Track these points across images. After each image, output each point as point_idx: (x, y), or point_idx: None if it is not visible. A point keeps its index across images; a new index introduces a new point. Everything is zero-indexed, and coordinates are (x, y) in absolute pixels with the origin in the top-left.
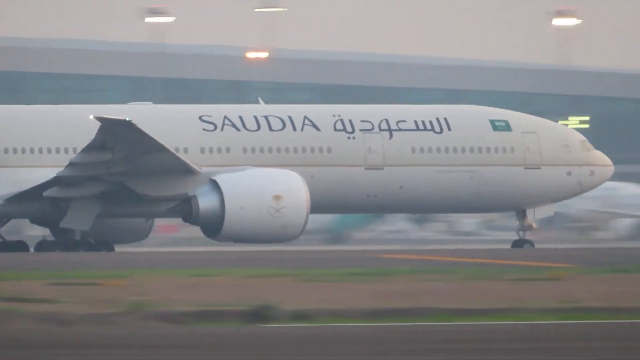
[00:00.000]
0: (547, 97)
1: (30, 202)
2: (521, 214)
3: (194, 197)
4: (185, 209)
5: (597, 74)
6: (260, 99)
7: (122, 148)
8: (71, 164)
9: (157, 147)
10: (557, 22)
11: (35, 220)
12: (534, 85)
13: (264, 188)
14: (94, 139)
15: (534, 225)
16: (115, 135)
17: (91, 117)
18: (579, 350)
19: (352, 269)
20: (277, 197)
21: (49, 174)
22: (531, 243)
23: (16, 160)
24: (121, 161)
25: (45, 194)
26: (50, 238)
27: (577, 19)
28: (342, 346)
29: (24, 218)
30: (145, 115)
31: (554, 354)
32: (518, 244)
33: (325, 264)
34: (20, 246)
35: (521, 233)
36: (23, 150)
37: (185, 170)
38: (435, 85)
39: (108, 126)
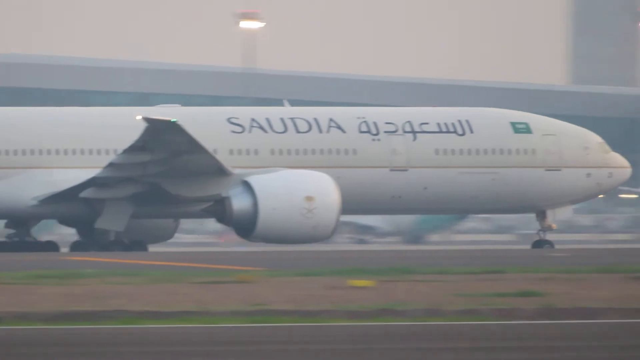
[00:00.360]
0: (234, 100)
1: (64, 202)
2: (541, 215)
3: (228, 198)
4: (219, 210)
5: (284, 77)
6: (285, 101)
7: (164, 149)
8: (111, 165)
9: (198, 149)
10: (243, 24)
11: (66, 221)
12: (221, 88)
13: (296, 189)
14: (138, 140)
15: (554, 226)
16: (159, 136)
17: (138, 117)
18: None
19: (37, 271)
20: (309, 199)
21: (82, 175)
22: (551, 244)
23: (49, 161)
24: (160, 162)
25: (82, 195)
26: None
27: (261, 21)
28: (24, 349)
29: (57, 218)
30: (175, 117)
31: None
32: (538, 244)
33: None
34: (50, 246)
35: (541, 234)
36: (57, 152)
37: (219, 172)
38: (120, 88)
39: (154, 126)
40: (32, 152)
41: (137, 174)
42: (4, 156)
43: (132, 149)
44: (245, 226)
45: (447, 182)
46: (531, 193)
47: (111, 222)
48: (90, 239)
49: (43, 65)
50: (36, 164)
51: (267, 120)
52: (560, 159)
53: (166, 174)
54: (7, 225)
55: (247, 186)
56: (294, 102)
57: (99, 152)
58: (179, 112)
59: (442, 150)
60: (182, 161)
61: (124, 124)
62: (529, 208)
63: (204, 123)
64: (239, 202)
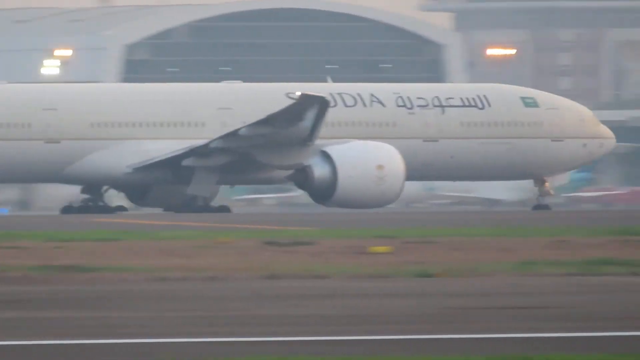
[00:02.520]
0: None
1: (155, 170)
2: (540, 181)
3: (309, 166)
4: (301, 177)
5: None
6: (329, 77)
7: (294, 122)
8: (233, 135)
9: (320, 124)
10: None
11: (152, 187)
12: None
13: (369, 159)
14: (282, 111)
15: (552, 192)
16: (306, 111)
17: (297, 93)
18: None
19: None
20: (380, 167)
21: (169, 145)
22: (549, 207)
23: (141, 133)
24: (273, 134)
25: (183, 163)
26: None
27: None
28: None
29: (148, 185)
30: (239, 92)
31: None
32: (538, 208)
33: None
34: (120, 209)
35: (540, 199)
36: (147, 124)
37: (302, 142)
38: None
39: (307, 102)
40: (127, 124)
41: (248, 145)
42: (101, 128)
43: (264, 121)
44: (324, 192)
45: (471, 152)
46: (538, 161)
47: (200, 188)
48: (141, 204)
49: None
50: (129, 136)
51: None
52: (562, 130)
53: (263, 145)
54: (82, 191)
55: (326, 156)
56: None
57: (182, 124)
58: (240, 87)
59: (466, 123)
60: (288, 133)
61: (202, 99)
62: (535, 174)
63: (264, 98)
64: (320, 170)
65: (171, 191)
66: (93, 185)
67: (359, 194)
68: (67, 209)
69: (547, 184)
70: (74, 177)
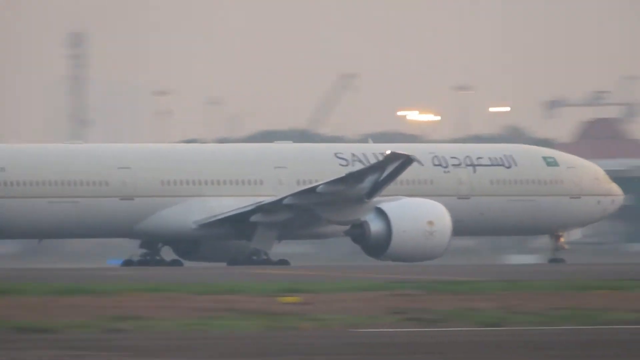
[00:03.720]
0: None
1: (219, 226)
2: (555, 236)
3: (366, 222)
4: (358, 233)
5: None
6: (370, 139)
7: (372, 179)
8: (306, 192)
9: (391, 181)
10: None
11: (215, 241)
12: None
13: (420, 215)
14: (367, 169)
15: (566, 246)
16: (389, 167)
17: (388, 151)
18: None
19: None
20: (430, 223)
21: (231, 202)
22: (564, 261)
23: (207, 190)
24: (346, 191)
25: (252, 219)
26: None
27: None
28: None
29: (211, 240)
30: (290, 152)
31: None
32: (554, 261)
33: None
34: (176, 263)
35: (556, 252)
36: (212, 182)
37: (361, 199)
38: None
39: (393, 159)
40: (193, 182)
41: (317, 201)
42: (175, 186)
43: (343, 179)
44: (378, 247)
45: (498, 208)
46: (558, 217)
47: (263, 243)
48: (190, 258)
49: None
50: (195, 193)
51: (364, 155)
52: (580, 188)
53: (328, 201)
54: (141, 246)
55: (380, 212)
56: None
57: (243, 182)
58: (293, 147)
59: (495, 181)
60: (357, 190)
61: (260, 159)
62: (553, 230)
63: (315, 157)
64: (375, 226)
65: (222, 246)
66: (160, 241)
67: (410, 248)
68: (128, 262)
69: (562, 239)
70: (144, 233)
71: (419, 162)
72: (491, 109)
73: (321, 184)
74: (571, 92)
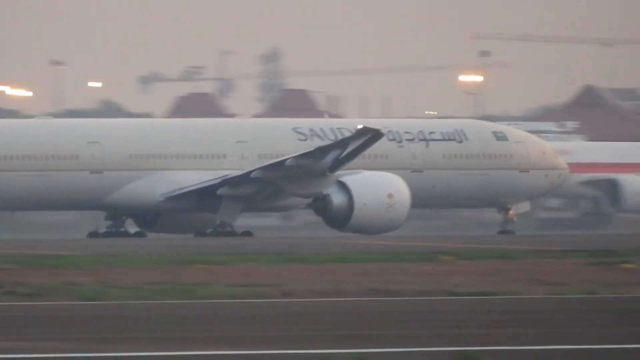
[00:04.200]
0: None
1: (185, 199)
2: (505, 209)
3: (328, 195)
4: (320, 205)
5: None
6: (325, 114)
7: (337, 154)
8: (273, 166)
9: (357, 155)
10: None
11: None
12: None
13: (381, 188)
14: (337, 143)
15: (515, 218)
16: (359, 142)
17: (360, 126)
18: None
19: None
20: (390, 196)
21: (196, 175)
22: (513, 232)
23: (172, 164)
24: (314, 165)
25: (218, 192)
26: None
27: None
28: None
29: (177, 212)
30: (250, 127)
31: None
32: (504, 232)
33: None
34: (140, 235)
35: (505, 225)
36: (177, 157)
37: (323, 172)
38: None
39: (364, 134)
40: (160, 156)
41: (283, 175)
42: (139, 160)
43: (312, 153)
44: (340, 219)
45: (450, 182)
46: (508, 190)
47: (228, 215)
48: (150, 229)
49: None
50: (162, 167)
51: (322, 129)
52: (529, 162)
53: (293, 175)
54: (106, 218)
55: (342, 185)
56: None
57: (207, 156)
58: (254, 122)
59: (447, 155)
60: (322, 164)
61: (223, 134)
62: (502, 203)
63: (275, 133)
64: (338, 199)
65: (181, 218)
66: (129, 213)
67: (371, 221)
68: (93, 234)
69: (511, 211)
70: (113, 205)
71: (382, 136)
72: (89, 84)
73: (289, 158)
74: (168, 67)
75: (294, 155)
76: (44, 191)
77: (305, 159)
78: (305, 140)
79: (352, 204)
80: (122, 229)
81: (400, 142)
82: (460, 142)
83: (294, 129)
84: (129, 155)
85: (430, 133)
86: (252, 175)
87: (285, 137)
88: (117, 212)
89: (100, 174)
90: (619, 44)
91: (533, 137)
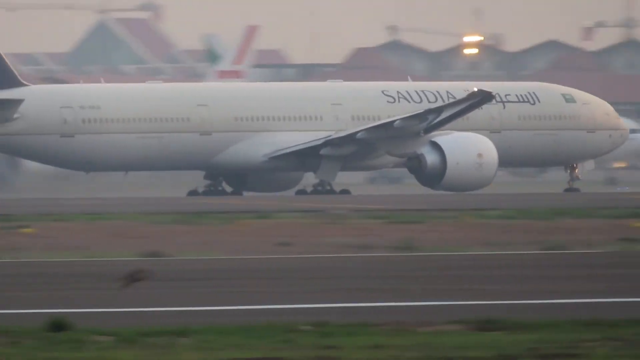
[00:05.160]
0: None
1: (286, 159)
2: (571, 167)
3: (422, 154)
4: (414, 164)
5: None
6: (409, 77)
7: (445, 116)
8: (381, 127)
9: (461, 116)
10: None
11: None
12: None
13: (471, 148)
14: (450, 105)
15: (580, 176)
16: (472, 105)
17: (475, 89)
18: None
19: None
20: (480, 155)
21: (296, 137)
22: (579, 190)
23: (274, 126)
24: (416, 126)
25: (322, 152)
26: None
27: None
28: None
29: (280, 171)
30: (344, 90)
31: None
32: (570, 190)
33: None
34: (237, 193)
35: (571, 182)
36: (278, 119)
37: (417, 133)
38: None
39: (477, 96)
40: (262, 118)
41: (386, 136)
42: (243, 122)
43: (425, 113)
44: (433, 178)
45: (525, 142)
46: (576, 150)
47: (327, 174)
48: (241, 189)
49: None
50: (264, 128)
51: (407, 92)
52: (595, 123)
53: (390, 136)
54: (205, 177)
55: (435, 145)
56: None
57: (305, 118)
58: (347, 85)
59: (522, 117)
60: (422, 125)
61: (319, 97)
62: (572, 161)
63: (366, 95)
64: (431, 158)
65: (269, 177)
66: (233, 173)
67: (463, 179)
68: (193, 193)
69: (577, 170)
70: (220, 165)
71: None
72: None
73: (398, 119)
74: None
75: (402, 116)
76: (157, 152)
77: (413, 120)
78: (393, 102)
79: (444, 163)
80: (220, 188)
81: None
82: (534, 104)
83: (383, 92)
84: (234, 117)
85: (506, 95)
86: (358, 136)
87: (376, 100)
88: (221, 172)
89: (209, 135)
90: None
91: (597, 99)
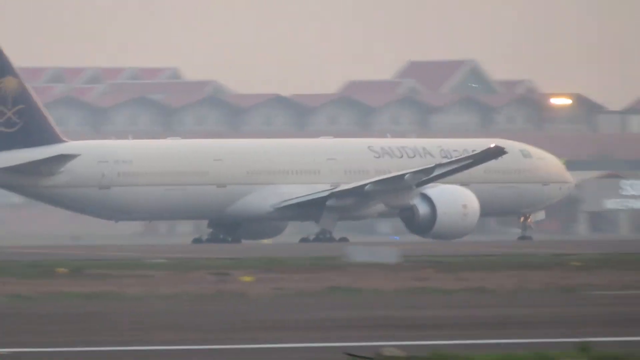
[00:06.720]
0: None
1: (290, 209)
2: (524, 217)
3: (415, 205)
4: (408, 215)
5: None
6: (388, 134)
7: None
8: (391, 179)
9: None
10: None
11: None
12: None
13: (457, 199)
14: (457, 161)
15: (532, 225)
16: (483, 160)
17: (492, 145)
18: None
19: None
20: (464, 206)
21: (298, 189)
22: (531, 238)
23: (279, 179)
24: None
25: (328, 203)
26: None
27: None
28: None
29: (284, 220)
30: (335, 146)
31: None
32: (523, 238)
33: None
34: (235, 241)
35: (525, 231)
36: (282, 172)
37: (411, 186)
38: None
39: (493, 152)
40: (269, 172)
41: (391, 188)
42: (254, 175)
43: (434, 168)
44: (424, 226)
45: (490, 194)
46: (532, 200)
47: (328, 223)
48: (226, 237)
49: None
50: (270, 181)
51: (389, 147)
52: (549, 176)
53: (390, 189)
54: (209, 226)
55: (424, 197)
56: None
57: (306, 172)
58: (337, 142)
59: (487, 170)
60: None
61: (316, 152)
62: (526, 211)
63: (355, 150)
64: (423, 209)
65: (262, 226)
66: (243, 222)
67: (450, 227)
68: (197, 240)
69: (530, 219)
70: (232, 215)
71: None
72: None
73: (407, 173)
74: None
75: (412, 170)
76: (179, 203)
77: (421, 174)
78: (378, 157)
79: (434, 213)
80: (222, 236)
81: (450, 158)
82: (497, 159)
83: (369, 148)
84: (247, 171)
85: (473, 151)
86: (366, 188)
87: (364, 155)
88: (237, 221)
89: (224, 187)
90: None
91: (548, 154)
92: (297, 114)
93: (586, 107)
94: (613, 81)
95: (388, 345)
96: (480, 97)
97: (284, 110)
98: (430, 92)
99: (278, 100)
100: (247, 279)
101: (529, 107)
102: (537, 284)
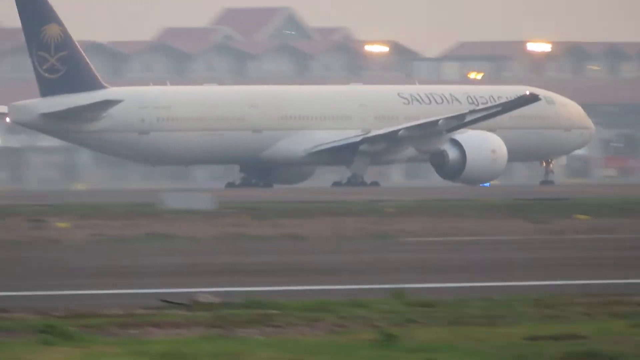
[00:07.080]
0: None
1: (323, 154)
2: (547, 162)
3: (445, 151)
4: (438, 159)
5: None
6: (416, 81)
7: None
8: (424, 125)
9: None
10: None
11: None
12: None
13: (486, 145)
14: (490, 107)
15: (554, 170)
16: (516, 107)
17: (527, 92)
18: None
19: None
20: (493, 151)
21: (330, 134)
22: (552, 182)
23: (312, 124)
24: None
25: (361, 148)
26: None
27: None
28: None
29: (317, 165)
30: (366, 93)
31: None
32: (545, 183)
33: None
34: (268, 185)
35: (547, 175)
36: (316, 118)
37: (442, 132)
38: None
39: (529, 100)
40: (302, 117)
41: (423, 134)
42: (287, 120)
43: (467, 114)
44: (454, 171)
45: (516, 139)
46: (555, 146)
47: (360, 168)
48: (258, 182)
49: None
50: (303, 127)
51: (418, 94)
52: (571, 122)
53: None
54: (240, 170)
55: (455, 142)
56: None
57: (338, 117)
58: (368, 88)
59: (514, 116)
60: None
61: (348, 98)
62: (549, 157)
63: (385, 97)
64: (453, 154)
65: (293, 171)
66: (276, 166)
67: (479, 172)
68: (230, 184)
69: (552, 164)
70: (266, 159)
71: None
72: None
73: (441, 118)
74: None
75: (446, 116)
76: (215, 148)
77: (455, 119)
78: (407, 104)
79: (464, 158)
80: (253, 181)
81: (477, 105)
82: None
83: (399, 94)
84: (281, 116)
85: (498, 97)
86: (400, 133)
87: (393, 102)
88: (270, 166)
89: (259, 133)
90: None
91: (570, 101)
92: (113, 60)
93: (402, 55)
94: (429, 29)
95: (203, 291)
96: (296, 44)
97: (100, 57)
98: (246, 39)
99: (96, 47)
100: (62, 225)
101: (345, 54)
102: (352, 230)
